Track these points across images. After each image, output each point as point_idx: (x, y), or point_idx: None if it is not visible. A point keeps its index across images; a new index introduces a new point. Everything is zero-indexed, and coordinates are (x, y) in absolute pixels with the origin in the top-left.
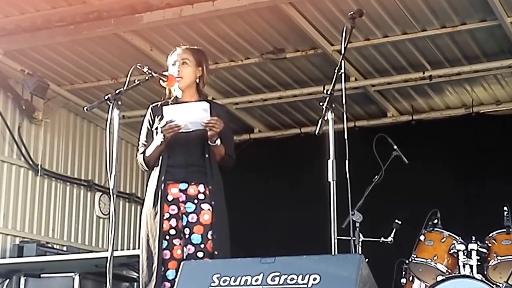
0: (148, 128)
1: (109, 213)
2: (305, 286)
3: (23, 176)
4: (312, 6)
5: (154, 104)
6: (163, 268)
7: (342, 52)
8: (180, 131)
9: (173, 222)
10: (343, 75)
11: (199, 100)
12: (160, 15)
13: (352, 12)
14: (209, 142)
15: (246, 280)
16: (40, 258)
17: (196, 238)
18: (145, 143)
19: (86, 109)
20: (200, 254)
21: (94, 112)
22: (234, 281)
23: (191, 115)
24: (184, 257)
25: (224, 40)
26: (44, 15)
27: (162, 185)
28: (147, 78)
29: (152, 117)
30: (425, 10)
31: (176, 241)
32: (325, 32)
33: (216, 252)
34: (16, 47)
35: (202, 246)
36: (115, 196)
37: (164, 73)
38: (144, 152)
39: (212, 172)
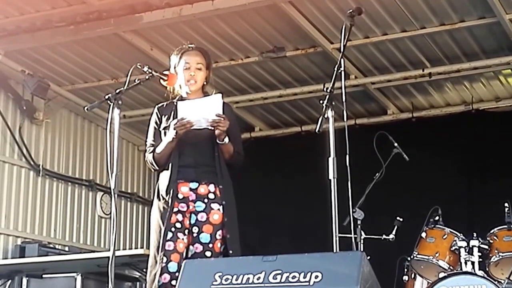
0: (155, 128)
1: (110, 212)
2: (307, 284)
3: (24, 176)
4: (311, 5)
5: (160, 105)
6: (165, 259)
7: (342, 50)
8: (192, 128)
9: (179, 217)
10: (342, 73)
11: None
12: (160, 15)
13: (351, 10)
14: (217, 140)
15: (248, 278)
16: (42, 259)
17: (205, 237)
18: (153, 143)
19: (87, 109)
20: (208, 254)
21: (95, 112)
22: (236, 280)
23: (204, 110)
24: (190, 256)
25: (224, 39)
26: (44, 16)
27: (174, 185)
28: (147, 77)
29: (159, 117)
30: (424, 8)
31: (180, 235)
32: (324, 31)
33: (231, 251)
34: (17, 48)
35: (210, 245)
36: (116, 195)
37: (164, 72)
38: (153, 151)
39: (221, 171)
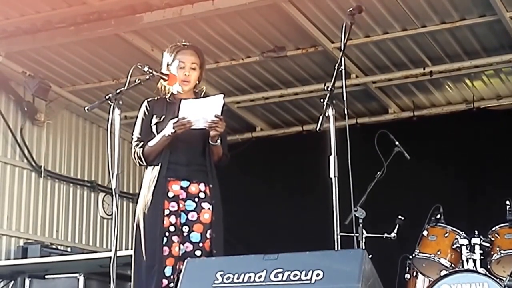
0: (143, 122)
1: (112, 213)
2: (309, 282)
3: (26, 177)
4: (311, 4)
5: (149, 99)
6: (162, 265)
7: (342, 49)
8: (191, 127)
9: (172, 219)
10: (343, 72)
11: (195, 97)
12: (160, 15)
13: (351, 9)
14: (210, 141)
15: (250, 277)
16: (45, 259)
17: (195, 236)
18: (140, 136)
19: (87, 109)
20: (198, 253)
21: (96, 113)
22: (238, 278)
23: (205, 111)
24: (180, 255)
25: (224, 39)
26: (44, 17)
27: (163, 181)
28: (148, 77)
29: (149, 112)
30: (425, 6)
31: (175, 238)
32: (325, 30)
33: (214, 251)
34: (17, 49)
35: (200, 244)
36: (118, 196)
37: (164, 72)
38: (143, 146)
39: (212, 171)
